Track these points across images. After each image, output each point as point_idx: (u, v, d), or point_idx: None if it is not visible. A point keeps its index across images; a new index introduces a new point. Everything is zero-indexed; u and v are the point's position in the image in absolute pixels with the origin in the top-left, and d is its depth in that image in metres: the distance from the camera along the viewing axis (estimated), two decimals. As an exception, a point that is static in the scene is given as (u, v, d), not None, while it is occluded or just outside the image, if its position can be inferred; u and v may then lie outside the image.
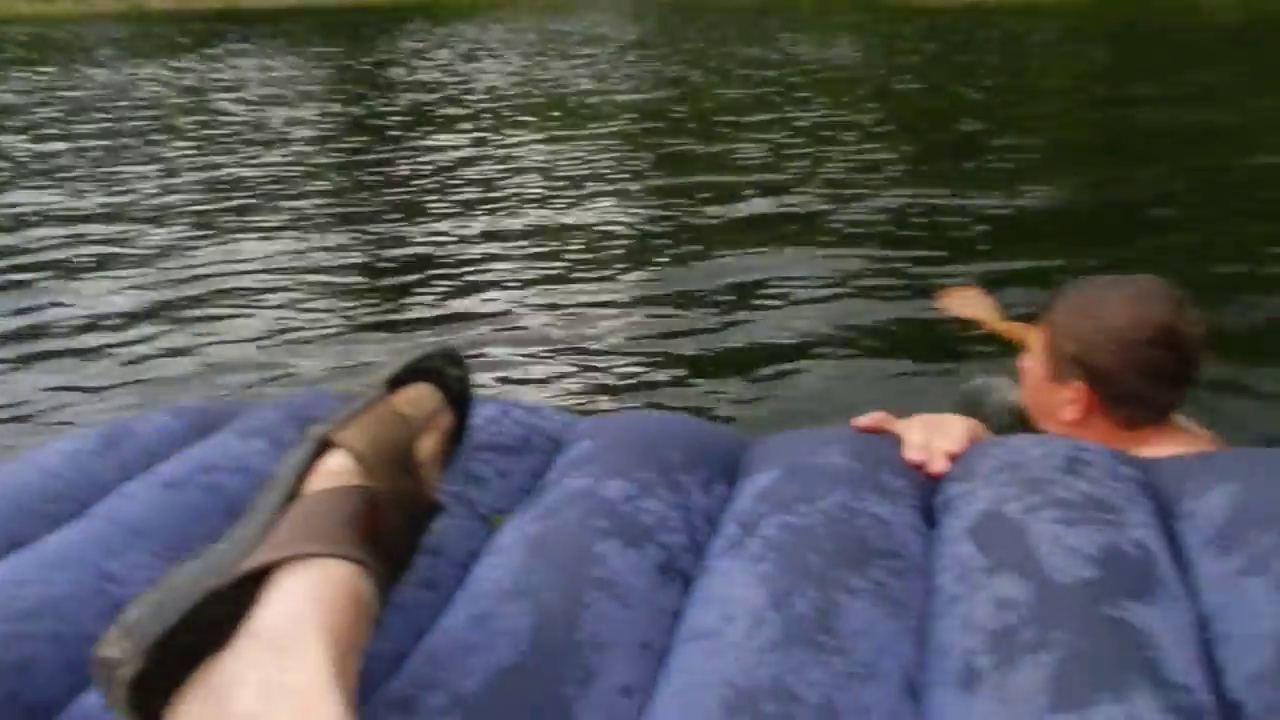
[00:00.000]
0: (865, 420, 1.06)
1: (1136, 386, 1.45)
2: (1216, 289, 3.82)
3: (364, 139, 8.26)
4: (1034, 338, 1.58)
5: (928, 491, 0.95)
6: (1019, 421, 1.68)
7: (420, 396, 0.72)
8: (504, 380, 3.40)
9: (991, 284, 3.19)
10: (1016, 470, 0.91)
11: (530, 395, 3.25)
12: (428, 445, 0.71)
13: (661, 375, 3.43)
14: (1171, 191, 5.65)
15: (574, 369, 3.48)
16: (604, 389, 3.33)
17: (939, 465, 0.97)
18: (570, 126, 8.28)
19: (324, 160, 7.42)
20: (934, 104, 9.28)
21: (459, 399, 0.76)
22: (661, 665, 0.76)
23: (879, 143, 7.43)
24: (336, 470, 0.67)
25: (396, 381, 0.72)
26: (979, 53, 13.20)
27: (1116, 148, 7.09)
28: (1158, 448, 1.39)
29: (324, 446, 0.67)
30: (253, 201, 6.10)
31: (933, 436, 1.01)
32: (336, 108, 9.91)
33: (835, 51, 13.43)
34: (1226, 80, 9.60)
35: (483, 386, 3.26)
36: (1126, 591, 0.75)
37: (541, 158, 7.12)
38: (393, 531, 0.67)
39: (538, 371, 3.48)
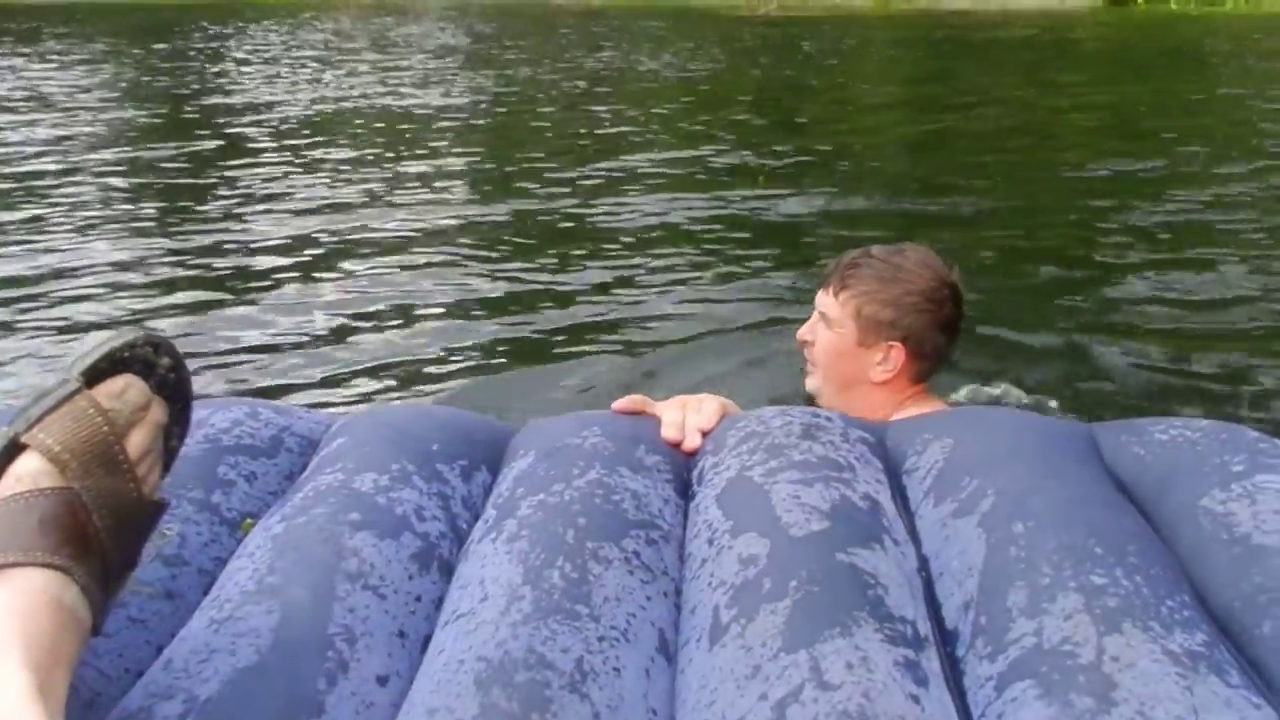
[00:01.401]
0: (624, 403, 1.08)
1: (938, 340, 1.64)
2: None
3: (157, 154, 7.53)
4: (829, 308, 1.65)
5: (683, 467, 0.99)
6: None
7: (124, 388, 0.67)
8: (288, 386, 3.29)
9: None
10: (761, 439, 0.96)
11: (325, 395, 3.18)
12: (138, 440, 0.67)
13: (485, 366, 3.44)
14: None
15: (376, 370, 3.43)
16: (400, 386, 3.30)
17: (693, 441, 1.02)
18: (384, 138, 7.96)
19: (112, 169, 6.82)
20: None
21: (173, 390, 0.72)
22: (422, 652, 0.77)
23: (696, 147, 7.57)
24: (28, 473, 0.62)
25: (95, 373, 0.67)
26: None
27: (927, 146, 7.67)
28: (922, 408, 1.54)
29: (14, 449, 0.62)
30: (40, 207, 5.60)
31: (688, 415, 1.05)
32: (130, 113, 9.14)
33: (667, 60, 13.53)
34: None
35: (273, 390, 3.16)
36: (856, 540, 0.81)
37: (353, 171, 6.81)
38: (102, 533, 0.62)
39: (336, 373, 3.41)
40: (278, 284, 4.32)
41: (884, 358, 1.62)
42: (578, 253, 4.75)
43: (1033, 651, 0.70)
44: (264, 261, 4.67)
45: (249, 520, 0.90)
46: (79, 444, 0.62)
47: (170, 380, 0.71)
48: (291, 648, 0.72)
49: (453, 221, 5.38)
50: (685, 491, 0.96)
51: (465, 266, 4.54)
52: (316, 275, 4.45)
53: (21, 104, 9.09)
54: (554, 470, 0.92)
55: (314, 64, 12.66)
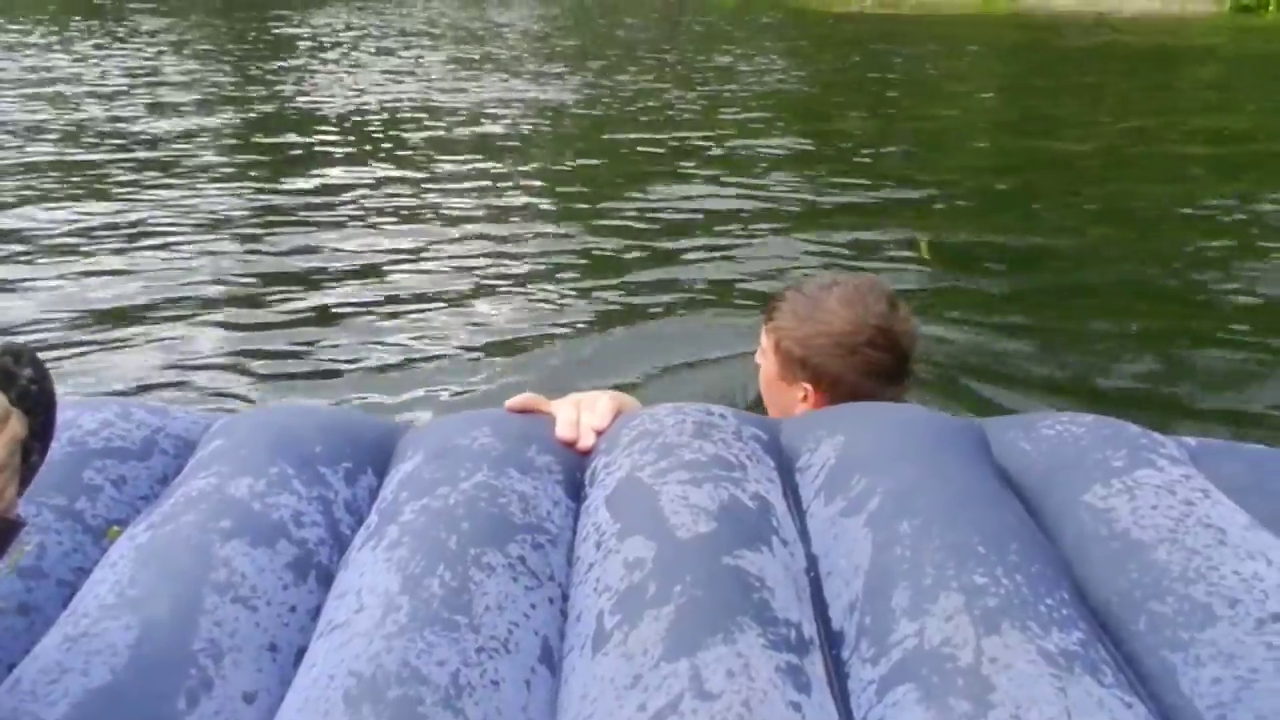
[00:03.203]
0: (517, 401, 1.06)
1: (858, 385, 1.49)
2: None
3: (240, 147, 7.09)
4: (762, 337, 1.60)
5: (576, 467, 0.96)
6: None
7: None
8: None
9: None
10: (654, 438, 0.94)
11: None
12: None
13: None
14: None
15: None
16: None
17: (586, 440, 0.99)
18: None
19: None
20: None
21: (35, 402, 0.68)
22: (296, 665, 0.73)
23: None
24: None
25: None
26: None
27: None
28: None
29: None
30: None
31: (582, 414, 1.03)
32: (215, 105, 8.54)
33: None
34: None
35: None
36: (743, 541, 0.80)
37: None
38: None
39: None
40: (344, 282, 4.06)
41: (804, 395, 1.53)
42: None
43: (914, 654, 0.70)
44: (336, 265, 4.35)
45: (115, 528, 0.86)
46: None
47: (32, 392, 0.69)
48: (150, 666, 0.69)
49: (530, 231, 4.97)
50: (577, 493, 0.94)
51: (554, 286, 4.11)
52: (382, 278, 4.13)
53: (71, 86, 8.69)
54: (440, 473, 0.89)
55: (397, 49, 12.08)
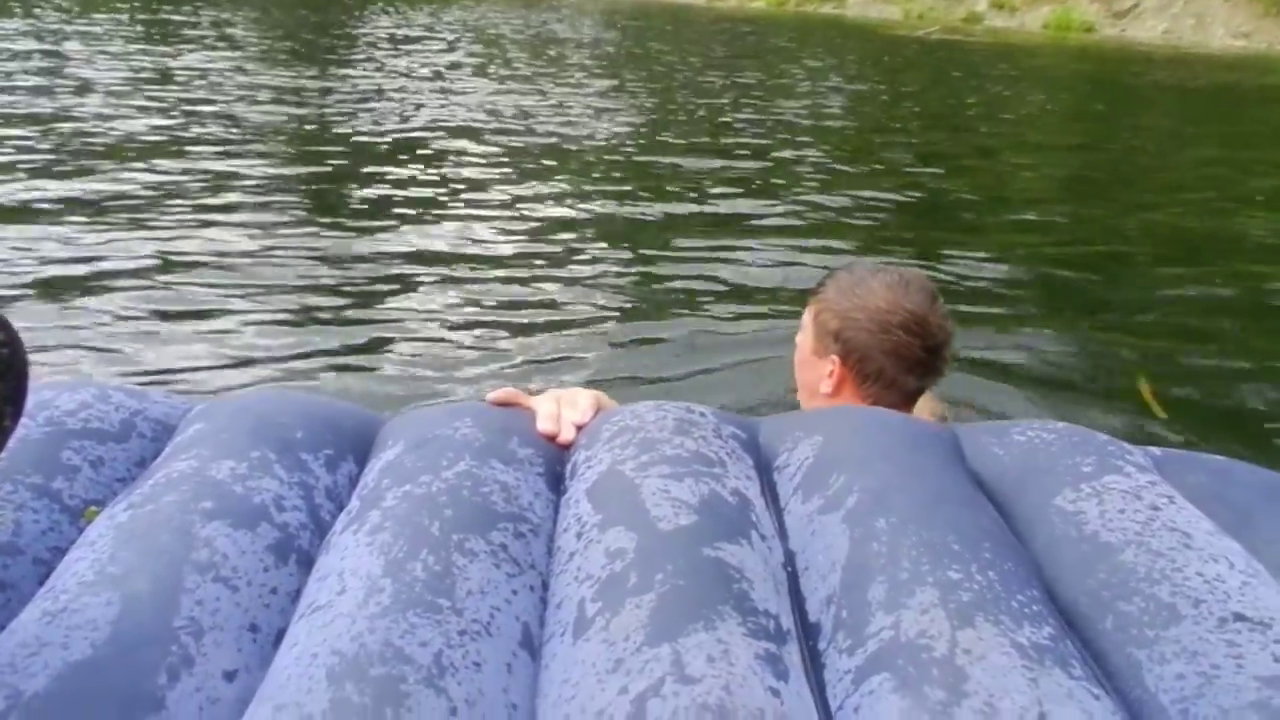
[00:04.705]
0: (498, 394, 1.07)
1: (883, 366, 1.52)
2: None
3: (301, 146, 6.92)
4: (804, 314, 1.63)
5: (556, 460, 0.97)
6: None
7: None
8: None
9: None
10: (634, 434, 0.95)
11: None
12: None
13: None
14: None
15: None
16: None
17: (567, 434, 1.00)
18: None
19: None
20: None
21: (5, 366, 0.66)
22: (276, 646, 0.74)
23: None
24: None
25: None
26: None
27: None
28: None
29: None
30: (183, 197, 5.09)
31: (563, 409, 1.04)
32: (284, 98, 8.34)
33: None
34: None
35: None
36: (723, 534, 0.81)
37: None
38: None
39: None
40: (399, 285, 3.96)
41: (831, 370, 1.56)
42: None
43: (890, 645, 0.71)
44: (388, 265, 4.26)
45: (93, 508, 0.85)
46: None
47: (3, 356, 0.67)
48: (131, 641, 0.69)
49: (571, 250, 4.78)
50: (557, 485, 0.94)
51: (605, 317, 3.91)
52: (441, 283, 4.02)
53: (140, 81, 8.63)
54: (422, 461, 0.90)
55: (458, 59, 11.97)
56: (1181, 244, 5.45)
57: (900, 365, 1.53)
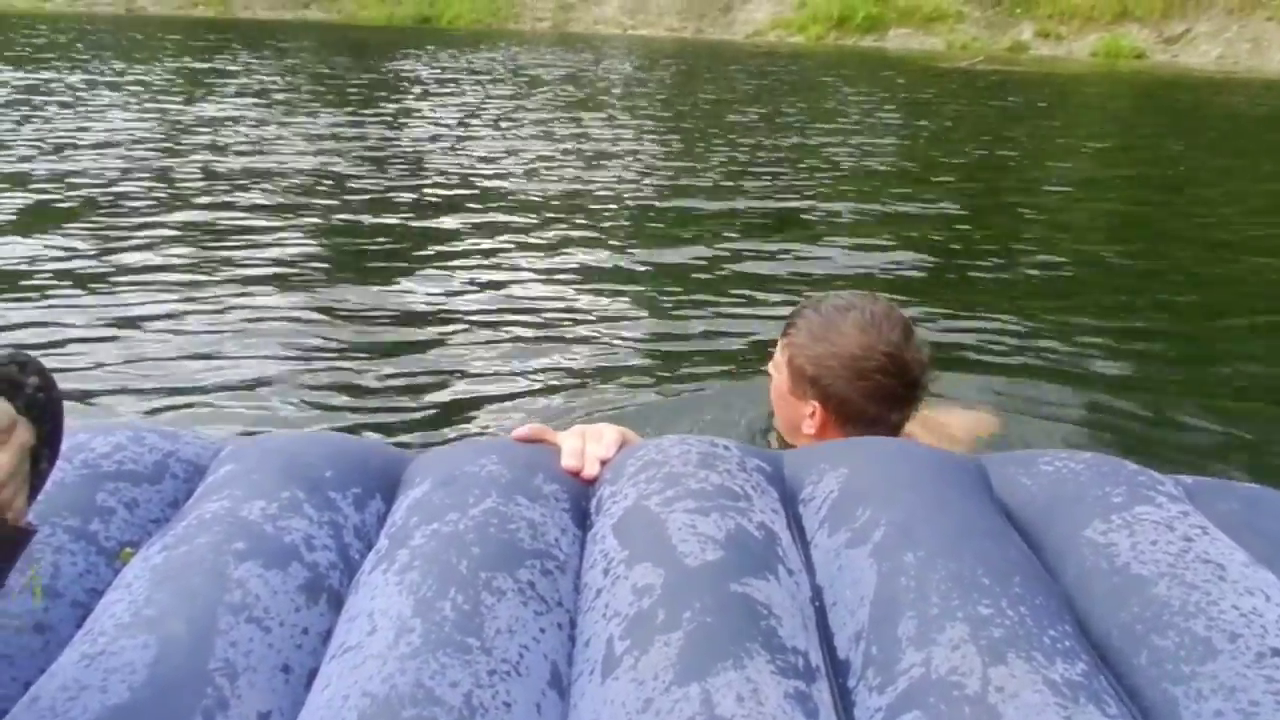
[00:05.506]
0: (523, 431, 1.07)
1: (865, 408, 1.51)
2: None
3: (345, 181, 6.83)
4: (776, 350, 1.62)
5: (581, 496, 0.97)
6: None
7: None
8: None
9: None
10: (659, 468, 0.95)
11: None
12: (2, 463, 0.64)
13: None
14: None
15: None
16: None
17: (592, 470, 1.00)
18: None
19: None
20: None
21: (42, 410, 0.69)
22: (307, 687, 0.74)
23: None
24: None
25: None
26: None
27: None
28: None
29: None
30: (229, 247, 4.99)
31: (587, 444, 1.04)
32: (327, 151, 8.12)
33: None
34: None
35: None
36: (750, 570, 0.81)
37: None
38: None
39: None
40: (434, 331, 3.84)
41: (811, 413, 1.55)
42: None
43: (921, 682, 0.71)
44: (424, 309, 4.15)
45: (128, 550, 0.87)
46: None
47: (39, 400, 0.69)
48: (168, 684, 0.70)
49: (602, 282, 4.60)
50: (583, 521, 0.94)
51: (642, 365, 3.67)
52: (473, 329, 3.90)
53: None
54: (449, 498, 0.90)
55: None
56: (1259, 288, 4.98)
57: (882, 405, 1.51)
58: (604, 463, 1.01)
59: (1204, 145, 10.35)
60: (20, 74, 12.18)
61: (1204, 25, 21.52)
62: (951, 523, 0.86)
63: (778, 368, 1.61)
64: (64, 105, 9.57)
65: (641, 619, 0.76)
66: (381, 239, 5.24)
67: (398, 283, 4.47)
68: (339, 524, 0.89)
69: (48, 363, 0.71)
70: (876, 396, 1.50)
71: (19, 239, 4.81)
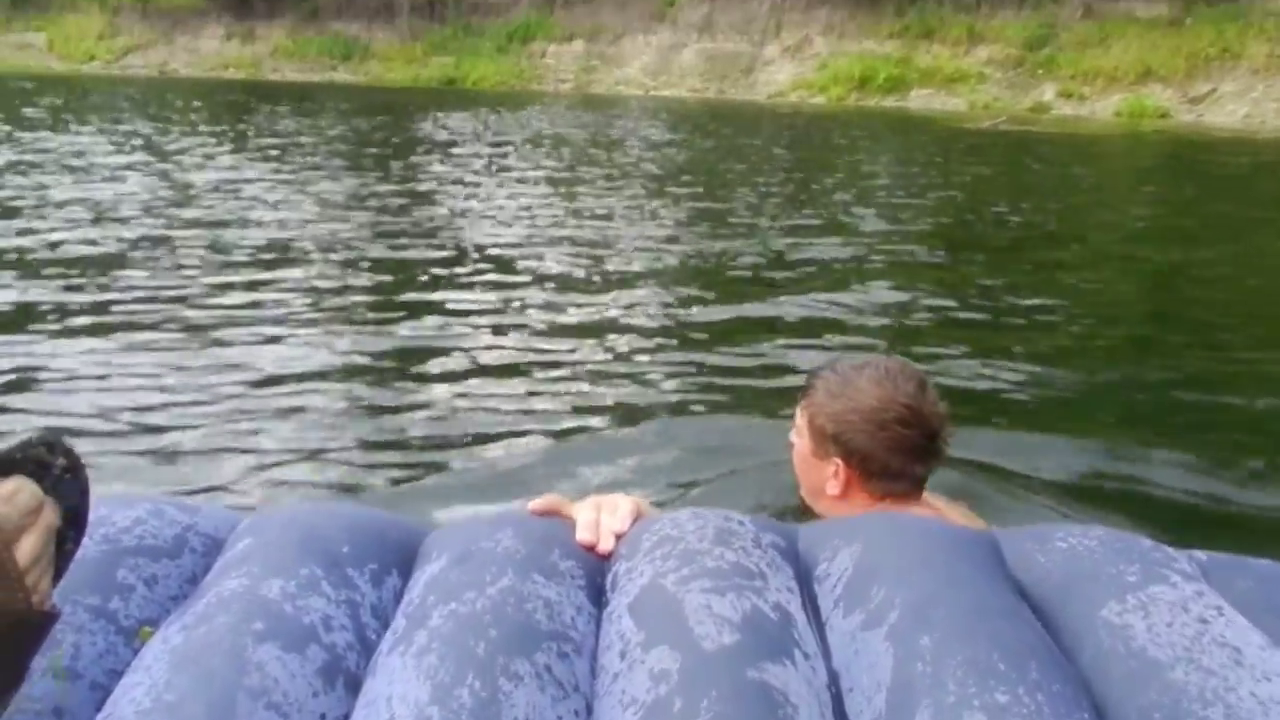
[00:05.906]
0: (539, 503, 1.07)
1: (887, 461, 1.53)
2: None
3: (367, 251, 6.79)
4: (796, 415, 1.64)
5: (597, 572, 0.97)
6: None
7: (14, 491, 0.64)
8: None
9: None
10: (675, 544, 0.94)
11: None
12: (29, 547, 0.64)
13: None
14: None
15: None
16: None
17: (606, 544, 1.00)
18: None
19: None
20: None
21: (69, 490, 0.69)
22: None
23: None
24: None
25: None
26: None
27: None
28: None
29: None
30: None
31: (602, 516, 1.04)
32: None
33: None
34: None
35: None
36: (766, 654, 0.80)
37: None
38: None
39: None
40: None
41: (835, 472, 1.56)
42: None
43: None
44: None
45: (147, 628, 0.87)
46: None
47: (65, 481, 0.69)
48: None
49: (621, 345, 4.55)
50: (599, 598, 0.94)
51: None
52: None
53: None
54: (466, 576, 0.90)
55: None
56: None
57: (905, 458, 1.54)
58: (619, 536, 1.01)
59: (1227, 200, 10.16)
60: (63, 137, 12.40)
61: (1229, 85, 21.42)
62: (967, 602, 0.85)
63: (799, 432, 1.64)
64: (88, 168, 9.69)
65: (658, 708, 0.76)
66: (397, 304, 5.25)
67: (412, 342, 4.46)
68: (356, 602, 0.89)
69: (63, 433, 0.71)
70: (898, 449, 1.53)
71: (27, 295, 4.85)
